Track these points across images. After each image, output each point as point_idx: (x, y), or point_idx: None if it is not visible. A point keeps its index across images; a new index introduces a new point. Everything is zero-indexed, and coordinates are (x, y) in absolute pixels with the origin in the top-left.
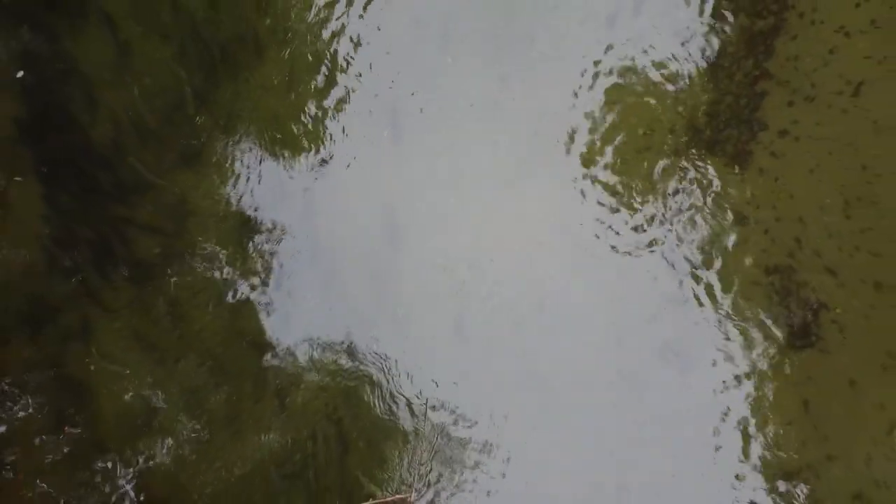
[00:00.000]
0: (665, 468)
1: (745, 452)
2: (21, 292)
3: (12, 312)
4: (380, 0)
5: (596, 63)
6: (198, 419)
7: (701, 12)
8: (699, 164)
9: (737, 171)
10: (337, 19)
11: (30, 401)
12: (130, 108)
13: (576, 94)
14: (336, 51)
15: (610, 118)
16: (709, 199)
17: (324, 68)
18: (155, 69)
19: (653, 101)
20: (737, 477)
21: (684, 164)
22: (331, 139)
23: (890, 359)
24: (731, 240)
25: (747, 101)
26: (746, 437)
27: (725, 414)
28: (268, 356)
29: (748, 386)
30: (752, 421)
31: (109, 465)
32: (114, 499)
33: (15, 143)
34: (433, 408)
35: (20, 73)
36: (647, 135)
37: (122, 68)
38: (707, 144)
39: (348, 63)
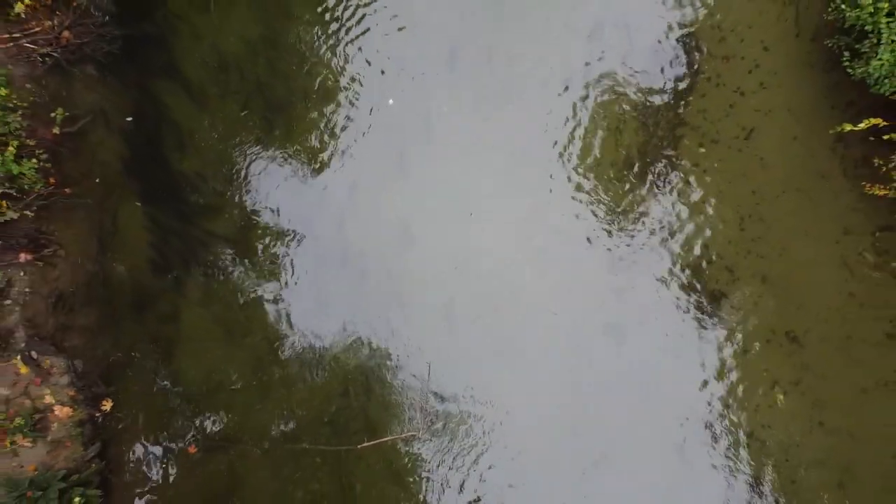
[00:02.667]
0: (605, 411)
1: (674, 402)
2: (129, 286)
3: (124, 301)
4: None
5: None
6: (258, 379)
7: (637, 77)
8: (635, 181)
9: (658, 192)
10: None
11: (134, 365)
12: (210, 149)
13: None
14: (349, 116)
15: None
16: (642, 213)
17: (346, 119)
18: (227, 118)
19: (605, 135)
20: (673, 421)
21: (626, 186)
22: (354, 169)
23: (772, 334)
24: (655, 241)
25: (668, 142)
26: (673, 390)
27: (655, 374)
28: (308, 333)
29: (671, 352)
30: (675, 380)
31: (192, 410)
32: (192, 433)
33: (123, 175)
34: (433, 372)
35: (129, 118)
36: (599, 163)
37: (203, 118)
38: (639, 173)
39: (367, 118)
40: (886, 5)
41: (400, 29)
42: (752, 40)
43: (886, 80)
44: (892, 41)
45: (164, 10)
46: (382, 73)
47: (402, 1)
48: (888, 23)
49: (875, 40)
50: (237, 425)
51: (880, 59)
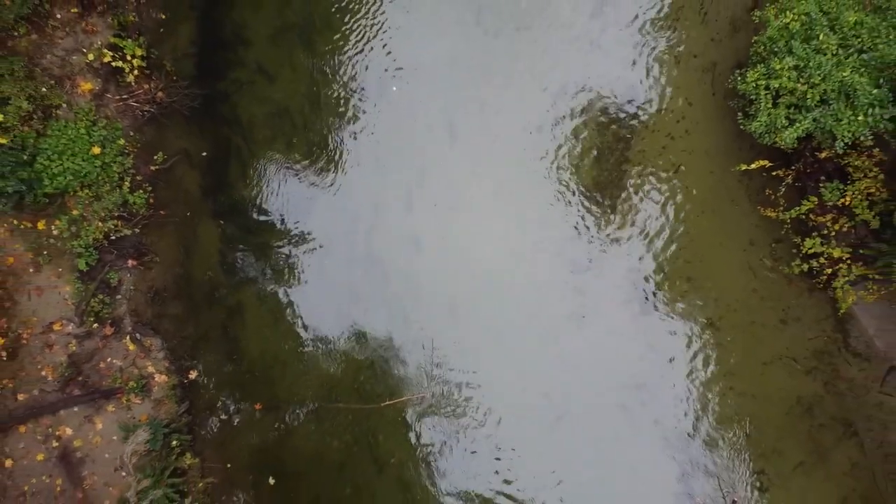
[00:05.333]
0: (567, 378)
1: (620, 372)
2: (206, 284)
3: (200, 296)
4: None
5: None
6: (302, 355)
7: (594, 123)
8: (591, 207)
9: (609, 214)
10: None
11: (210, 344)
12: (267, 179)
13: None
14: (372, 154)
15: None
16: (596, 231)
17: (366, 154)
18: (275, 152)
19: (569, 169)
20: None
21: (584, 212)
22: (374, 193)
23: (695, 321)
24: (607, 252)
25: (616, 171)
26: (620, 363)
27: (606, 351)
28: (341, 320)
29: (618, 334)
30: (622, 356)
31: (254, 378)
32: (255, 395)
33: (201, 199)
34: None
35: (204, 154)
36: (563, 192)
37: (259, 154)
38: (595, 201)
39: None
40: (764, 81)
41: (401, 87)
42: (679, 98)
43: (766, 135)
44: (768, 108)
45: (231, 76)
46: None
47: (408, 57)
48: (765, 94)
49: (757, 106)
50: (288, 390)
51: (759, 120)
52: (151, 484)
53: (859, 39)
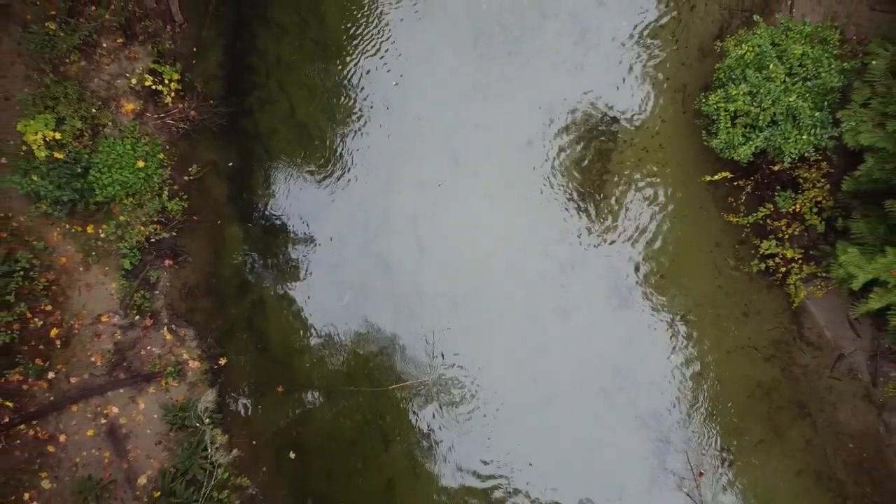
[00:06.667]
0: (554, 366)
1: (601, 360)
2: (233, 281)
3: (228, 292)
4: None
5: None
6: (320, 344)
7: (578, 137)
8: (576, 213)
9: (592, 220)
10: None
11: (237, 334)
12: (286, 187)
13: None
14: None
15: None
16: (580, 235)
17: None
18: (293, 163)
19: (558, 179)
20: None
21: (570, 216)
22: (381, 201)
23: (667, 314)
24: (589, 254)
25: (598, 181)
26: (601, 351)
27: (588, 341)
28: (353, 314)
29: (599, 326)
30: (603, 345)
31: (275, 364)
32: (277, 379)
33: (227, 205)
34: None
35: (230, 164)
36: (550, 201)
37: (280, 164)
38: (579, 207)
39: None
40: (723, 104)
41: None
42: (654, 116)
43: (725, 150)
44: (727, 127)
45: (254, 95)
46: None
47: (411, 78)
48: (725, 115)
49: (718, 125)
50: (307, 374)
51: (720, 138)
52: (187, 456)
53: (804, 69)
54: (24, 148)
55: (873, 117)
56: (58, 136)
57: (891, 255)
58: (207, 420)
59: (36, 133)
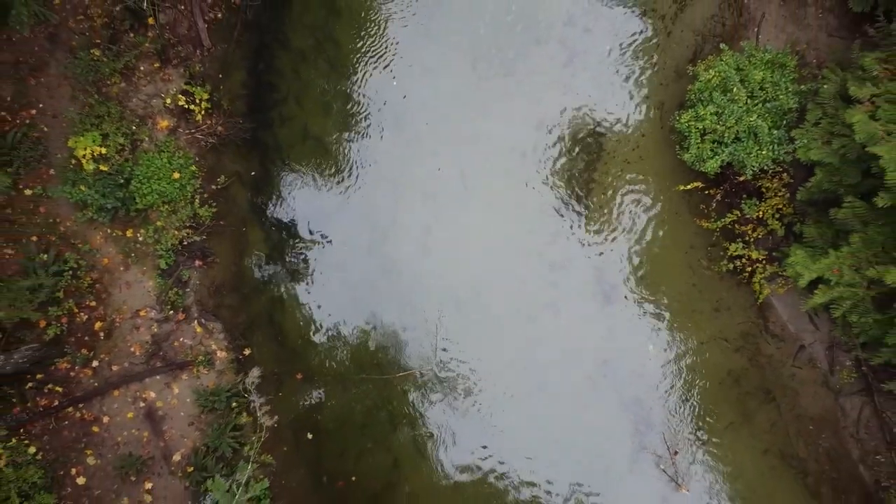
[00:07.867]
0: (545, 356)
1: (587, 350)
2: (255, 280)
3: (251, 289)
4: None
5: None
6: (332, 337)
7: (566, 151)
8: (566, 218)
9: (580, 224)
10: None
11: (259, 327)
12: (303, 194)
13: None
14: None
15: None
16: (569, 238)
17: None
18: (309, 173)
19: (548, 187)
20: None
21: (558, 222)
22: (386, 210)
23: (647, 308)
24: (578, 255)
25: (585, 189)
26: (587, 343)
27: (577, 333)
28: (362, 309)
29: (586, 321)
30: (589, 337)
31: (295, 354)
32: (297, 367)
33: (249, 211)
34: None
35: (253, 173)
36: (543, 208)
37: (297, 174)
38: (568, 212)
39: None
40: (693, 122)
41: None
42: (635, 131)
43: (696, 163)
44: (697, 143)
45: (275, 111)
46: (396, 122)
47: (416, 97)
48: (695, 132)
49: (689, 141)
50: (321, 362)
51: (690, 152)
52: (217, 435)
53: (765, 92)
54: (73, 161)
55: (822, 135)
56: (104, 150)
57: (832, 256)
58: (235, 404)
59: (85, 148)
